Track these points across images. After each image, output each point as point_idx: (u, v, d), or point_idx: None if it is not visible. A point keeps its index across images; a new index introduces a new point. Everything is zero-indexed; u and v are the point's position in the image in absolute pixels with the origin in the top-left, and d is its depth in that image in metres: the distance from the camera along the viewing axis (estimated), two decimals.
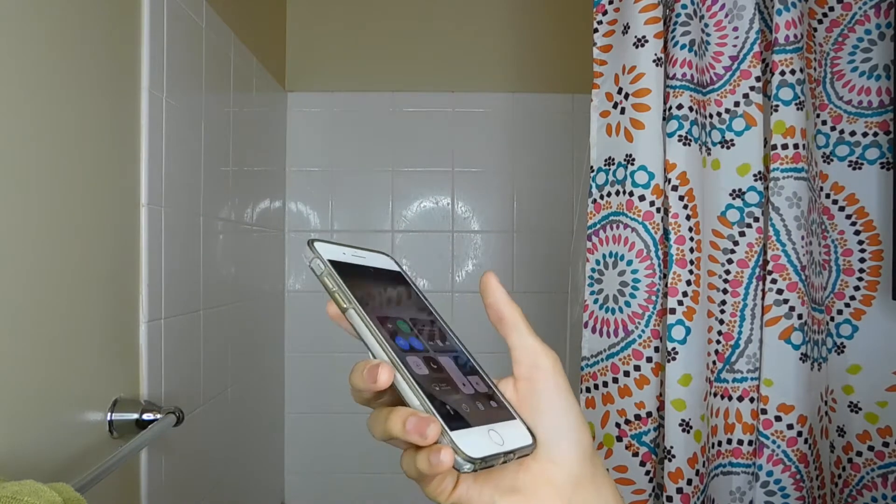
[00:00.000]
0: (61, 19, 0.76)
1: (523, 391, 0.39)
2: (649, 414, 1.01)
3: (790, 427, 1.01)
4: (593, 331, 1.08)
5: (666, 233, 1.03)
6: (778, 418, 1.02)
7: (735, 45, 1.06)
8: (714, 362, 1.07)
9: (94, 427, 0.84)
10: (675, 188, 1.02)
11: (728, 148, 1.06)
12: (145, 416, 0.89)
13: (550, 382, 0.39)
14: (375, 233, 1.91)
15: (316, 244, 0.37)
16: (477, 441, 0.33)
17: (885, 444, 1.10)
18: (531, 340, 0.39)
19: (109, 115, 0.88)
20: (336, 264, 0.37)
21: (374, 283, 0.39)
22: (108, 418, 0.87)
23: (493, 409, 0.37)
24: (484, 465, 0.32)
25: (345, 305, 0.36)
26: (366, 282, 0.38)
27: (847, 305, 1.12)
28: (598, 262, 1.09)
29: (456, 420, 0.33)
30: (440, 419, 0.33)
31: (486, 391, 0.38)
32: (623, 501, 0.41)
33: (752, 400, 1.04)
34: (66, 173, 0.78)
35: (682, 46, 1.03)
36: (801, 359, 1.01)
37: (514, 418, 0.37)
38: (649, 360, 1.02)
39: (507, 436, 0.35)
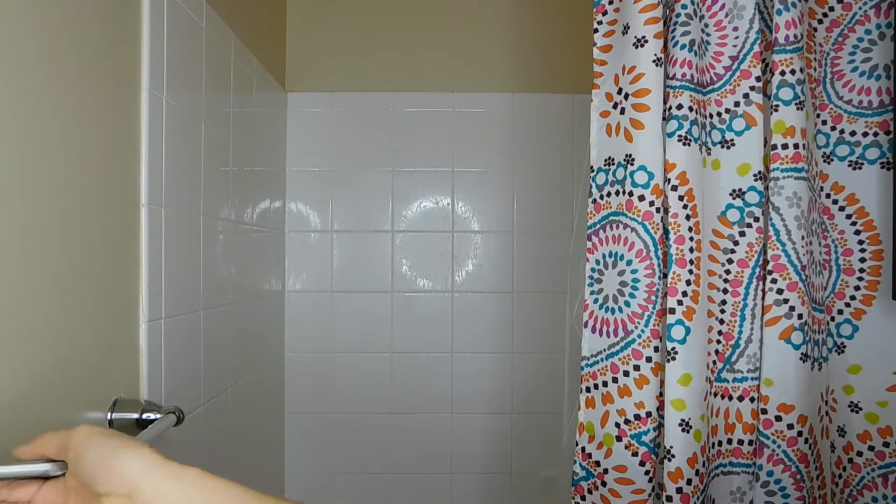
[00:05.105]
0: (61, 19, 0.76)
1: (74, 469, 0.52)
2: (649, 414, 1.01)
3: (790, 427, 1.01)
4: (593, 330, 1.08)
5: (666, 232, 1.03)
6: (778, 418, 1.02)
7: (735, 45, 1.06)
8: (714, 362, 1.07)
9: None
10: (674, 188, 1.02)
11: (728, 148, 1.06)
12: (145, 416, 0.89)
13: (82, 444, 0.52)
14: (375, 233, 1.91)
15: None
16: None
17: (886, 444, 1.10)
18: (52, 436, 0.54)
19: (109, 115, 0.88)
20: None
21: None
22: (108, 418, 0.87)
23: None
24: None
25: None
26: None
27: (847, 305, 1.12)
28: (597, 262, 1.09)
29: None
30: None
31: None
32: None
33: (752, 400, 1.04)
34: (66, 173, 0.78)
35: (682, 46, 1.03)
36: (801, 359, 1.01)
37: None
38: (649, 359, 1.02)
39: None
